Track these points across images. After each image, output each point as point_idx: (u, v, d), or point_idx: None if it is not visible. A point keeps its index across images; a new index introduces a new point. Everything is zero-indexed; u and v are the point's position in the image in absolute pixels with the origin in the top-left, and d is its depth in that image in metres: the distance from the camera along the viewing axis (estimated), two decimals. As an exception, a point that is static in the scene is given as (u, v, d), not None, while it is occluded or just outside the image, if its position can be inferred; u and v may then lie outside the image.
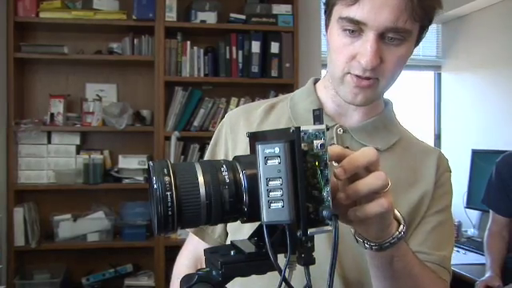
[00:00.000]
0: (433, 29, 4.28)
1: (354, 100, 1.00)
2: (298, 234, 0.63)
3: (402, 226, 0.82)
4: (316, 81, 1.18)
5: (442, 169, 1.12)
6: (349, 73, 0.97)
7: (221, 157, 1.13)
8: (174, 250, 3.43)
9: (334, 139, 1.06)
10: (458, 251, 3.21)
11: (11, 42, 3.22)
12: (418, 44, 1.02)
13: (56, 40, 3.41)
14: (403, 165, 1.09)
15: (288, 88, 3.41)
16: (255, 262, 0.67)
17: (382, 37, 0.93)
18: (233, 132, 1.13)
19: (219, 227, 1.14)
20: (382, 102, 1.14)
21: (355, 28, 0.94)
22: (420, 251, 1.03)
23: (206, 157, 1.19)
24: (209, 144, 1.21)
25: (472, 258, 3.07)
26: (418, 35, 0.99)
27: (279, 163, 0.61)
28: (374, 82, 0.97)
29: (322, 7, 1.05)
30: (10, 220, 3.19)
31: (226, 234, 1.14)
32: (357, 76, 0.96)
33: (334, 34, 0.99)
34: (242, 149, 1.09)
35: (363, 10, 0.92)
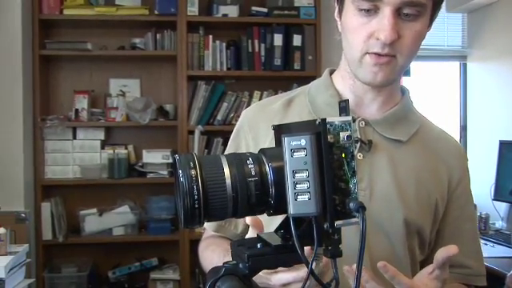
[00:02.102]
0: (458, 18, 4.20)
1: (375, 79, 1.00)
2: (325, 226, 0.63)
3: None
4: (331, 72, 1.17)
5: (462, 157, 1.18)
6: (367, 53, 0.98)
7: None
8: (198, 244, 3.46)
9: (356, 132, 1.05)
10: (485, 244, 3.16)
11: (36, 39, 3.26)
12: (432, 23, 1.03)
13: (80, 36, 3.45)
14: (426, 152, 1.10)
15: (311, 80, 3.36)
16: (282, 254, 0.67)
17: (398, 13, 0.94)
18: (252, 130, 1.13)
19: (241, 223, 1.13)
20: (399, 90, 1.14)
21: (371, 6, 0.95)
22: (455, 265, 1.08)
23: None
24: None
25: (500, 250, 3.02)
26: (432, 13, 1.00)
27: (305, 155, 0.61)
28: (392, 59, 0.98)
29: None
30: (38, 215, 3.25)
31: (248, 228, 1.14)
32: (375, 54, 0.97)
33: (349, 16, 0.99)
34: (265, 146, 1.08)
35: None
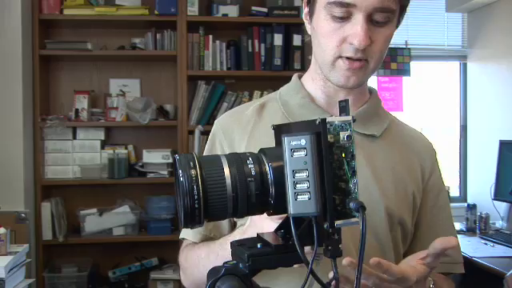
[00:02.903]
0: (458, 18, 4.21)
1: (347, 83, 1.03)
2: (325, 226, 0.63)
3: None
4: (300, 76, 1.20)
5: (431, 150, 1.20)
6: (340, 57, 1.01)
7: None
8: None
9: None
10: (485, 244, 3.17)
11: (36, 39, 3.26)
12: (399, 26, 1.06)
13: (80, 36, 3.45)
14: (399, 146, 1.14)
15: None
16: (282, 254, 0.67)
17: (369, 19, 0.97)
18: (227, 137, 1.13)
19: (227, 231, 1.12)
20: (367, 89, 1.18)
21: (343, 12, 0.97)
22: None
23: None
24: None
25: (500, 250, 3.02)
26: (398, 17, 1.04)
27: (305, 155, 0.61)
28: (364, 63, 1.01)
29: None
30: (38, 215, 3.25)
31: None
32: (348, 58, 1.00)
33: (321, 21, 1.01)
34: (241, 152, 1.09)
35: None
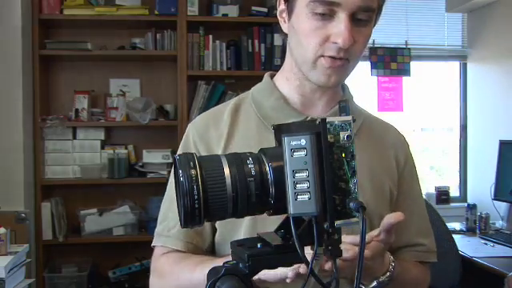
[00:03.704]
0: (458, 18, 4.20)
1: (328, 82, 1.03)
2: (325, 225, 0.63)
3: (391, 266, 0.96)
4: (272, 75, 1.19)
5: (404, 142, 1.21)
6: (322, 56, 1.00)
7: None
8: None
9: None
10: (485, 244, 3.17)
11: (36, 39, 3.26)
12: (375, 26, 1.06)
13: (80, 36, 3.45)
14: (374, 142, 1.15)
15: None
16: (282, 254, 0.67)
17: (352, 18, 0.96)
18: (203, 141, 1.12)
19: (209, 236, 1.11)
20: (340, 87, 1.17)
21: (326, 11, 0.96)
22: (409, 244, 1.15)
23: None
24: None
25: (501, 250, 3.01)
26: (376, 16, 1.04)
27: (305, 155, 0.61)
28: (345, 62, 1.00)
29: None
30: (38, 214, 3.25)
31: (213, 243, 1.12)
32: (331, 57, 0.99)
33: (302, 19, 0.99)
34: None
35: None
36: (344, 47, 0.96)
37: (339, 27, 0.96)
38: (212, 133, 1.12)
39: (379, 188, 1.10)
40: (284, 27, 1.07)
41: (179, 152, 1.14)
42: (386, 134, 1.19)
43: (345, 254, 0.81)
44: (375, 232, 0.90)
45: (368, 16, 0.98)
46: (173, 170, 1.13)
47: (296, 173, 0.60)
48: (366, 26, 1.00)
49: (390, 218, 0.86)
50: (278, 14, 1.08)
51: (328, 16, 0.96)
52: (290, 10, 1.03)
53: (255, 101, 1.15)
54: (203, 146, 1.11)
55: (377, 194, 1.09)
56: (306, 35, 1.00)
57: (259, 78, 3.42)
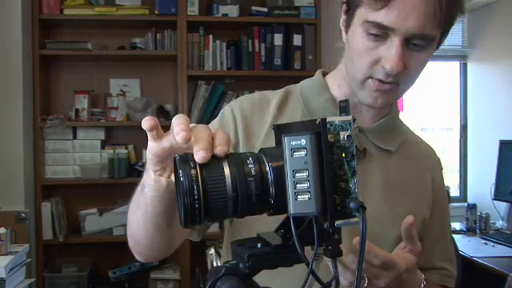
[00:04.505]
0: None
1: (374, 103, 1.01)
2: (325, 225, 0.63)
3: (422, 285, 0.95)
4: (324, 73, 1.15)
5: (440, 164, 1.19)
6: (370, 77, 0.97)
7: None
8: (199, 244, 3.43)
9: None
10: (486, 244, 3.17)
11: (36, 39, 3.26)
12: (438, 48, 1.02)
13: (80, 36, 3.45)
14: (412, 161, 1.13)
15: (311, 80, 3.39)
16: (282, 254, 0.67)
17: (406, 42, 0.93)
18: (244, 122, 1.08)
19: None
20: None
21: (380, 32, 0.93)
22: (435, 266, 1.13)
23: None
24: None
25: (501, 250, 3.02)
26: (440, 40, 1.00)
27: (306, 155, 0.61)
28: (394, 86, 0.98)
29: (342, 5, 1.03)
30: (38, 214, 3.25)
31: None
32: (379, 80, 0.96)
33: (356, 37, 0.97)
34: (257, 143, 1.05)
35: (392, 15, 0.90)
36: (391, 74, 0.94)
37: (390, 52, 0.93)
38: (255, 119, 1.08)
39: (413, 214, 1.05)
40: (343, 37, 1.04)
41: (213, 125, 1.09)
42: (425, 154, 1.17)
43: (376, 261, 0.84)
44: (402, 244, 0.91)
45: (425, 42, 0.94)
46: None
47: (296, 173, 0.60)
48: (422, 51, 0.95)
49: (404, 224, 0.88)
50: (340, 23, 1.04)
51: (381, 38, 0.93)
52: (347, 24, 1.01)
53: (304, 97, 1.11)
54: (243, 126, 1.07)
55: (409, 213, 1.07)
56: (357, 54, 0.97)
57: (259, 78, 3.42)
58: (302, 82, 1.16)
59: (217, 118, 1.12)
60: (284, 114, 1.09)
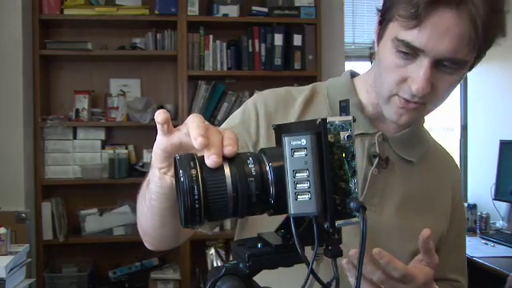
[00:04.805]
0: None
1: (398, 120, 0.98)
2: (326, 225, 0.63)
3: None
4: (353, 74, 1.12)
5: (459, 175, 1.19)
6: (397, 94, 0.95)
7: (250, 135, 1.05)
8: (199, 244, 3.42)
9: (375, 145, 1.04)
10: (486, 244, 3.17)
11: (37, 39, 3.26)
12: (471, 70, 0.98)
13: (80, 36, 3.45)
14: (432, 173, 1.11)
15: (311, 80, 3.36)
16: (282, 254, 0.67)
17: (436, 63, 0.89)
18: (267, 119, 1.05)
19: None
20: None
21: (410, 51, 0.90)
22: (446, 278, 1.11)
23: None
24: None
25: (501, 250, 3.02)
26: (474, 61, 0.95)
27: (306, 155, 0.61)
28: (420, 105, 0.95)
29: (376, 14, 0.99)
30: (39, 214, 3.25)
31: None
32: (404, 99, 0.94)
33: (386, 52, 0.94)
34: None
35: (423, 37, 0.87)
36: (417, 95, 0.91)
37: (418, 73, 0.89)
38: (278, 117, 1.05)
39: (431, 228, 1.02)
40: (375, 46, 1.01)
41: (235, 118, 1.09)
42: (447, 165, 1.16)
43: (395, 274, 0.84)
44: (419, 257, 0.90)
45: (456, 65, 0.90)
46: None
47: (296, 173, 0.60)
48: (452, 74, 0.91)
49: (421, 237, 0.87)
50: (375, 31, 1.00)
51: (411, 56, 0.90)
52: (379, 35, 0.97)
53: (330, 98, 1.08)
54: (266, 124, 1.05)
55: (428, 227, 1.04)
56: (385, 69, 0.95)
57: (259, 78, 3.41)
58: (329, 80, 1.13)
59: (239, 111, 1.10)
60: (308, 115, 1.07)
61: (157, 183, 0.78)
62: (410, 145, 1.07)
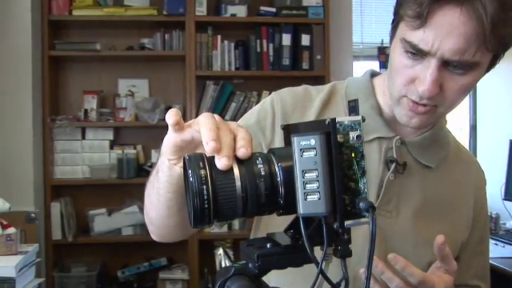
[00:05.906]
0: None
1: (409, 123, 0.96)
2: (335, 226, 0.63)
3: None
4: (373, 74, 1.10)
5: (484, 180, 1.14)
6: (406, 96, 0.93)
7: (264, 135, 1.04)
8: (207, 244, 3.43)
9: (393, 149, 1.02)
10: (496, 244, 3.14)
11: (45, 40, 3.27)
12: (489, 71, 0.95)
13: (88, 37, 3.46)
14: (452, 179, 1.08)
15: (319, 80, 3.39)
16: (291, 254, 0.67)
17: (445, 64, 0.87)
18: (284, 119, 1.03)
19: None
20: None
21: (417, 52, 0.88)
22: (468, 284, 1.09)
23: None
24: None
25: (511, 251, 2.99)
26: (491, 62, 0.92)
27: (315, 155, 0.60)
28: (431, 108, 0.92)
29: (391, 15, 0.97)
30: (48, 214, 3.26)
31: None
32: (413, 101, 0.92)
33: (395, 52, 0.93)
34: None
35: (428, 38, 0.85)
36: (424, 97, 0.89)
37: (425, 74, 0.87)
38: (295, 117, 1.03)
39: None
40: (390, 50, 0.98)
41: (251, 116, 1.08)
42: (469, 170, 1.11)
43: (412, 280, 0.83)
44: (438, 264, 0.89)
45: (466, 66, 0.87)
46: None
47: (306, 173, 0.60)
48: (463, 74, 0.88)
49: (436, 244, 0.87)
50: (390, 30, 0.97)
51: (419, 56, 0.88)
52: (392, 35, 0.96)
53: (348, 98, 1.02)
54: (282, 123, 1.02)
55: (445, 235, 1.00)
56: (394, 70, 0.93)
57: (268, 78, 3.41)
58: (348, 80, 1.11)
59: (256, 109, 1.09)
60: (326, 115, 1.02)
61: (165, 172, 0.79)
62: (429, 149, 1.04)
